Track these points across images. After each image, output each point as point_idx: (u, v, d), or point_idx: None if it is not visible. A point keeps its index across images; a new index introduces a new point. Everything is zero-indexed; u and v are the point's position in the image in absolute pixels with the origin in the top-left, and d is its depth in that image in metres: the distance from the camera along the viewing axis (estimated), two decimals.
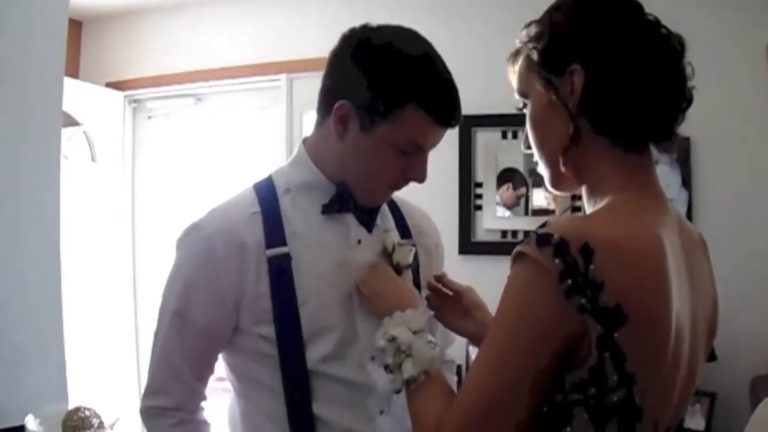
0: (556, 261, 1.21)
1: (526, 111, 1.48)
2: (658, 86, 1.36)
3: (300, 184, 1.80)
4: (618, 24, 1.37)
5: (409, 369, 1.50)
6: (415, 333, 1.57)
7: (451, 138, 4.15)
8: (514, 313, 1.27)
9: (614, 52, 1.35)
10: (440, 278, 1.94)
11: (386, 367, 1.55)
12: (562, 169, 1.43)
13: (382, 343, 1.57)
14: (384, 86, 1.65)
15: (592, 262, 1.21)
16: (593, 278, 1.21)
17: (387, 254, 1.82)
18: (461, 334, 1.91)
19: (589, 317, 1.21)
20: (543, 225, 1.27)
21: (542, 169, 1.50)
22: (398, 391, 1.53)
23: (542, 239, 1.24)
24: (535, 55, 1.43)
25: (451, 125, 1.73)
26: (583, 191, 1.45)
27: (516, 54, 1.49)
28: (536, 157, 1.49)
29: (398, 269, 1.80)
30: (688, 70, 1.39)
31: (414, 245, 1.89)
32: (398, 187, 1.79)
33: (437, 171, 4.18)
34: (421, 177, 1.76)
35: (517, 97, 1.50)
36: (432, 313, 1.66)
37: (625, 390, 1.23)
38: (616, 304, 1.21)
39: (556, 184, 1.49)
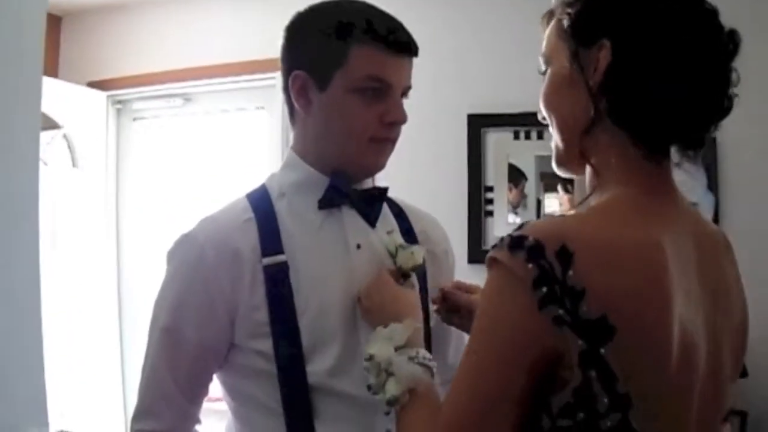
0: (530, 266, 1.17)
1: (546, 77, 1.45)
2: (695, 86, 1.29)
3: (293, 184, 1.82)
4: (666, 2, 1.30)
5: (391, 389, 1.47)
6: (398, 349, 1.55)
7: (459, 139, 4.24)
8: (487, 326, 1.24)
9: (651, 34, 1.29)
10: (449, 290, 1.91)
11: (369, 388, 1.54)
12: (568, 152, 1.41)
13: (365, 363, 1.55)
14: (323, 37, 1.73)
15: (571, 267, 1.16)
16: (572, 285, 1.16)
17: (391, 257, 1.82)
18: None
19: (569, 330, 1.16)
20: (520, 227, 1.23)
21: (552, 144, 1.46)
22: (387, 413, 1.51)
23: (515, 242, 1.20)
24: (565, 21, 1.38)
25: (401, 50, 1.75)
26: (587, 179, 1.41)
27: (550, 15, 1.46)
28: (551, 130, 1.46)
29: (403, 273, 1.80)
30: (734, 76, 1.32)
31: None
32: (384, 139, 1.79)
33: (444, 174, 4.27)
34: (398, 116, 1.77)
35: (540, 59, 1.46)
36: (419, 325, 1.63)
37: (619, 414, 1.17)
38: (601, 314, 1.15)
39: (561, 163, 1.46)
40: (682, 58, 1.28)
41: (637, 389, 1.17)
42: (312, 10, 1.80)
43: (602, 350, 1.15)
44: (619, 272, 1.18)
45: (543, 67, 1.45)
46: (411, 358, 1.53)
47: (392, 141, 1.81)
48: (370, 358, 1.53)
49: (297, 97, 1.77)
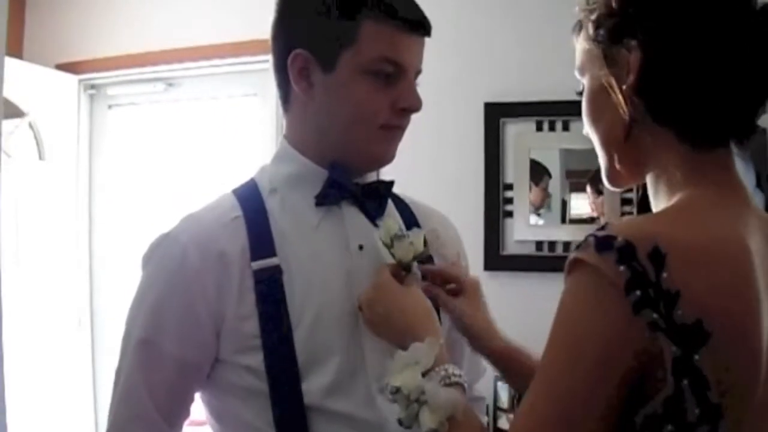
0: (621, 268, 1.20)
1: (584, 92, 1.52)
2: (736, 72, 1.33)
3: (286, 178, 1.82)
4: None
5: (427, 421, 1.46)
6: (425, 374, 1.54)
7: (475, 130, 4.21)
8: (573, 334, 1.26)
9: (681, 24, 1.34)
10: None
11: (400, 423, 1.53)
12: (617, 165, 1.46)
13: (389, 396, 1.54)
14: (328, 10, 1.71)
15: (665, 268, 1.20)
16: (667, 288, 1.19)
17: (387, 248, 1.79)
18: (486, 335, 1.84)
19: (663, 336, 1.19)
20: (603, 227, 1.27)
21: (600, 161, 1.52)
22: None
23: (603, 243, 1.23)
24: (590, 27, 1.45)
25: (417, 28, 1.75)
26: (649, 189, 1.47)
27: (579, 25, 1.52)
28: (596, 148, 1.52)
29: (404, 267, 1.78)
30: None
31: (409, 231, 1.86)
32: (395, 127, 1.79)
33: (458, 170, 4.25)
34: (412, 102, 1.76)
35: (576, 75, 1.53)
36: (441, 341, 1.62)
37: (708, 426, 1.20)
38: (696, 318, 1.19)
39: (611, 178, 1.52)
40: (717, 44, 1.33)
41: (730, 400, 1.21)
42: None
43: (696, 356, 1.19)
44: (713, 274, 1.24)
45: (580, 86, 1.53)
46: (441, 381, 1.52)
47: (403, 129, 1.81)
48: (397, 390, 1.52)
49: (297, 80, 1.76)
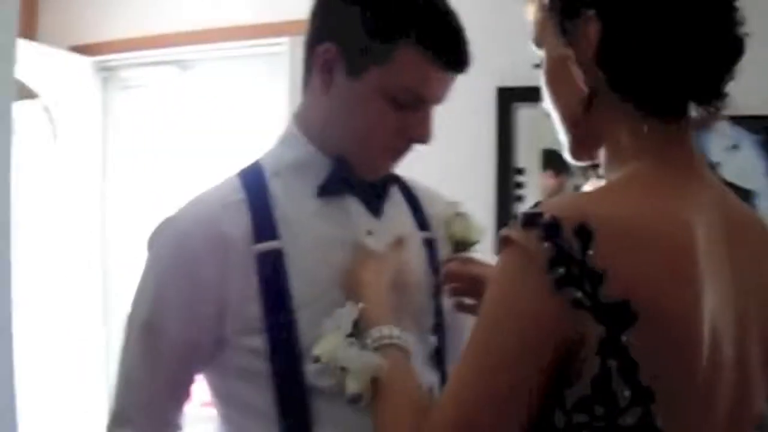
0: (545, 245, 1.20)
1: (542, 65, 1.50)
2: (696, 34, 1.31)
3: (291, 163, 1.82)
4: None
5: (351, 386, 1.48)
6: (349, 336, 1.55)
7: (486, 115, 4.22)
8: (497, 311, 1.27)
9: None
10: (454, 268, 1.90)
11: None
12: (578, 139, 1.47)
13: (313, 366, 1.58)
14: (374, 19, 1.68)
15: (591, 246, 1.19)
16: (592, 266, 1.19)
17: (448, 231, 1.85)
18: None
19: (588, 314, 1.18)
20: (536, 204, 1.27)
21: (560, 135, 1.52)
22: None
23: (529, 219, 1.23)
24: None
25: (455, 68, 1.73)
26: (602, 163, 1.46)
27: None
28: (555, 121, 1.51)
29: (460, 247, 1.82)
30: (738, 15, 1.34)
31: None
32: (399, 150, 1.80)
33: (470, 155, 4.25)
34: (424, 136, 1.76)
35: (533, 47, 1.52)
36: (360, 305, 1.62)
37: (640, 409, 1.20)
38: (622, 299, 1.18)
39: (573, 152, 1.52)
40: (674, 9, 1.31)
41: (662, 383, 1.20)
42: None
43: (623, 337, 1.18)
44: (644, 253, 1.22)
45: (537, 58, 1.51)
46: (374, 342, 1.54)
47: (405, 153, 1.81)
48: (317, 359, 1.55)
49: (319, 71, 1.75)
